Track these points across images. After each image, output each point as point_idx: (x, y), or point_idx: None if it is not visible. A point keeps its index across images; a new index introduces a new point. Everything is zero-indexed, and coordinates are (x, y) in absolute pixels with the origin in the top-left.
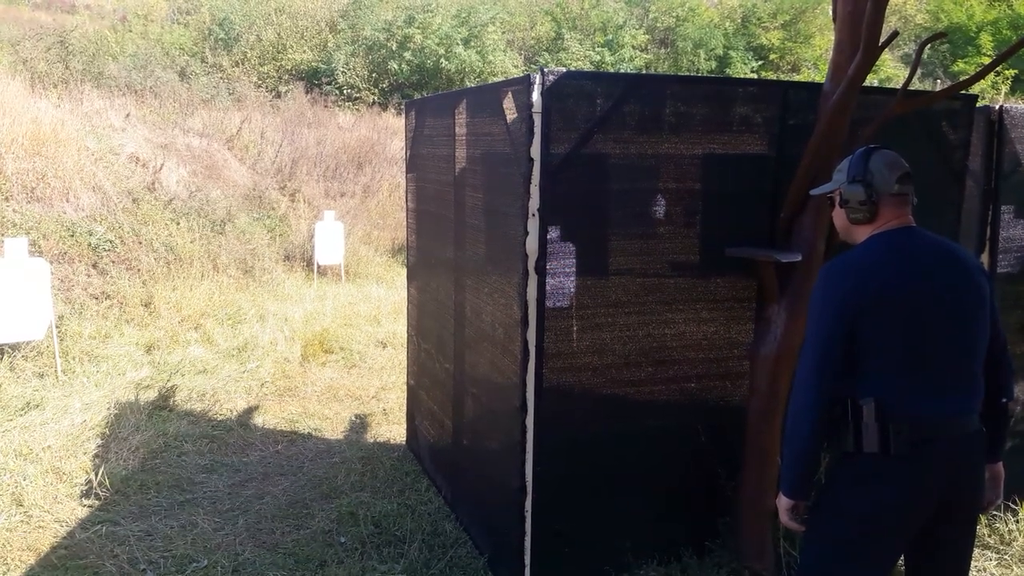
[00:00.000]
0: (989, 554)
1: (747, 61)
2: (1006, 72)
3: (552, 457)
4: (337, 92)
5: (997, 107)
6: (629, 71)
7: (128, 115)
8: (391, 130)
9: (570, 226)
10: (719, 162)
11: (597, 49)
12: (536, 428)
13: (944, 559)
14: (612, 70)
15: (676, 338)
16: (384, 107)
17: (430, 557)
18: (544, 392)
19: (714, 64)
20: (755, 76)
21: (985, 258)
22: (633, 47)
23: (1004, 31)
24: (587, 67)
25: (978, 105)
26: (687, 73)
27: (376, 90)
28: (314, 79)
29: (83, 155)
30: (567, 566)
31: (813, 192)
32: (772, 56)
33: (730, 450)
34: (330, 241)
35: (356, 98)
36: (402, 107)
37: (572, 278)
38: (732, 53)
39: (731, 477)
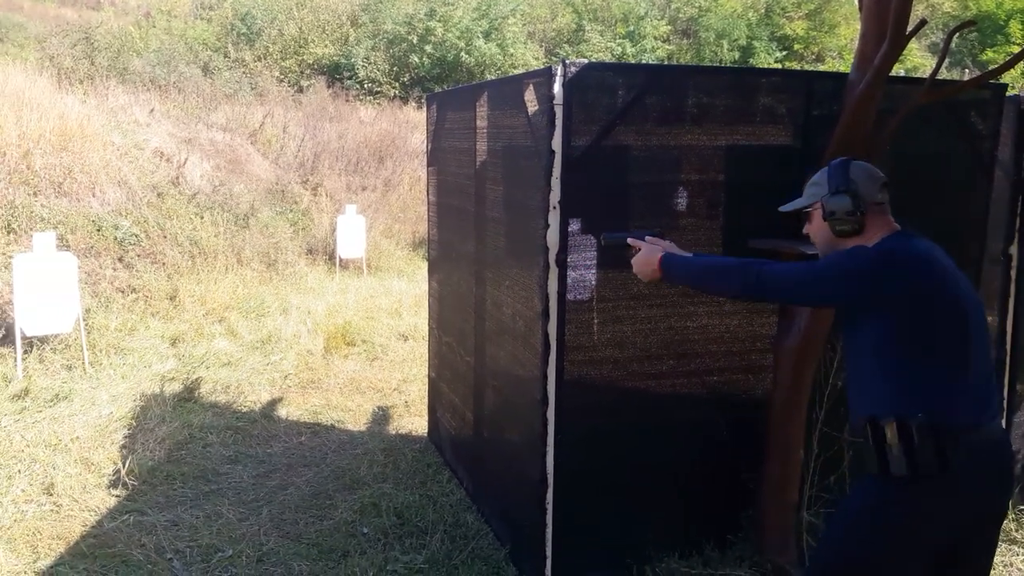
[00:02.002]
0: (1016, 549)
1: (771, 51)
2: None
3: (573, 450)
4: (358, 86)
5: None
6: (651, 62)
7: (152, 110)
8: (412, 124)
9: (591, 218)
10: (742, 153)
11: (618, 40)
12: (557, 421)
13: (967, 566)
14: (633, 61)
15: (698, 331)
16: (405, 101)
17: (452, 548)
18: (565, 385)
19: (737, 55)
20: (779, 66)
21: (1014, 249)
22: (655, 38)
23: None
24: (608, 59)
25: (1008, 94)
26: (710, 64)
27: (397, 84)
28: (335, 73)
29: (109, 150)
30: (588, 558)
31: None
32: (796, 46)
33: (752, 443)
34: (352, 235)
35: (377, 92)
36: (423, 101)
37: (593, 271)
38: (756, 43)
39: (753, 470)
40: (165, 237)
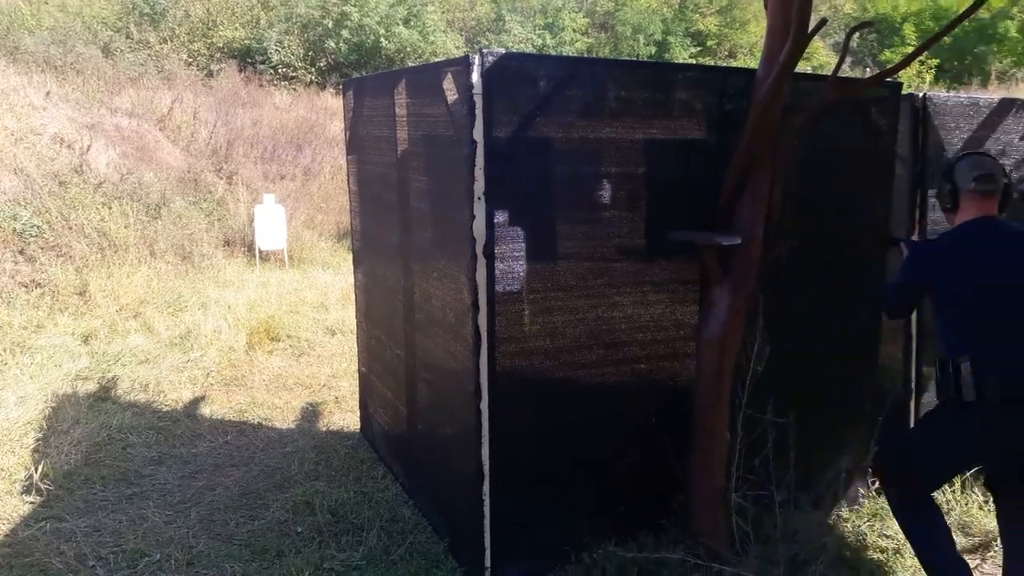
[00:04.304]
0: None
1: (686, 47)
2: (930, 62)
3: (507, 441)
4: (272, 71)
5: (921, 95)
6: (570, 55)
7: (48, 93)
8: (331, 111)
9: (517, 210)
10: (660, 147)
11: (538, 31)
12: (491, 412)
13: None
14: (553, 53)
15: (625, 320)
16: (322, 87)
17: (389, 544)
18: (497, 376)
19: (653, 49)
20: (694, 62)
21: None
22: (573, 30)
23: (927, 22)
24: (529, 50)
25: (904, 93)
26: (628, 58)
27: (313, 69)
28: (247, 58)
29: (2, 135)
30: (526, 547)
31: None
32: (710, 42)
33: (681, 429)
34: (271, 225)
35: (292, 77)
36: (341, 87)
37: (521, 262)
38: (671, 39)
39: (682, 456)
40: (71, 228)
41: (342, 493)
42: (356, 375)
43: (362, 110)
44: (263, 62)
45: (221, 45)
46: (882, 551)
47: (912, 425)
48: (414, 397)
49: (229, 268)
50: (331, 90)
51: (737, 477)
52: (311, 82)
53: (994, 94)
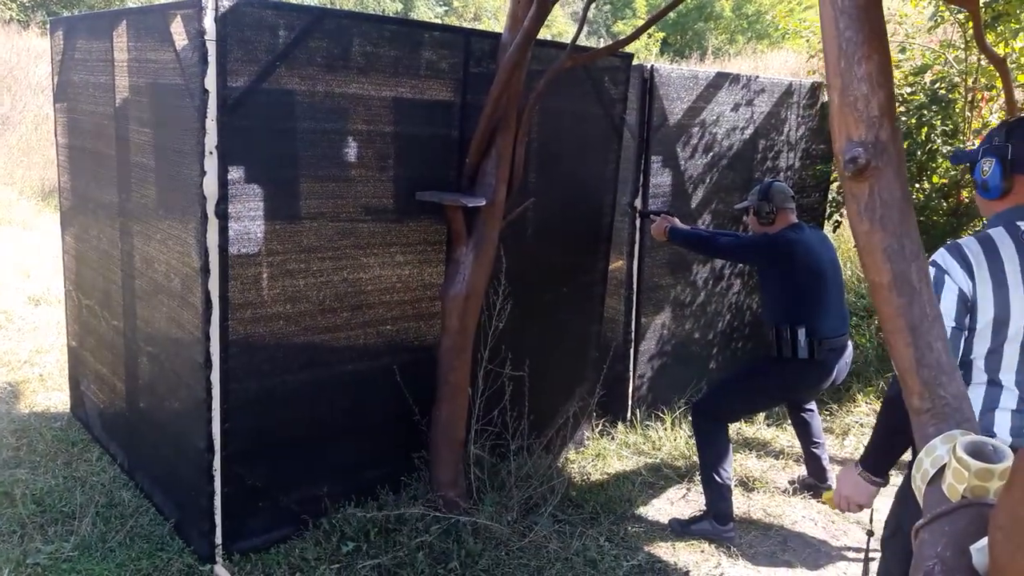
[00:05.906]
0: None
1: (432, 6)
2: (657, 35)
3: (242, 412)
4: None
5: (649, 66)
6: (315, 5)
7: None
8: (35, 53)
9: (255, 166)
10: (408, 106)
11: None
12: (223, 384)
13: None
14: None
15: (372, 282)
16: (26, 25)
17: (106, 530)
18: (231, 345)
19: (400, 6)
20: (440, 21)
21: (639, 202)
22: None
23: None
24: None
25: (633, 64)
26: (373, 12)
27: (14, 5)
28: None
29: None
30: (261, 520)
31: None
32: (456, 3)
33: (425, 388)
34: None
35: None
36: (48, 26)
37: (260, 223)
38: None
39: (426, 414)
40: None
41: (49, 480)
42: (65, 350)
43: (74, 53)
44: None
45: None
46: (603, 487)
47: (735, 377)
48: (135, 372)
49: None
50: (36, 29)
51: (476, 429)
52: (11, 19)
53: (711, 68)
